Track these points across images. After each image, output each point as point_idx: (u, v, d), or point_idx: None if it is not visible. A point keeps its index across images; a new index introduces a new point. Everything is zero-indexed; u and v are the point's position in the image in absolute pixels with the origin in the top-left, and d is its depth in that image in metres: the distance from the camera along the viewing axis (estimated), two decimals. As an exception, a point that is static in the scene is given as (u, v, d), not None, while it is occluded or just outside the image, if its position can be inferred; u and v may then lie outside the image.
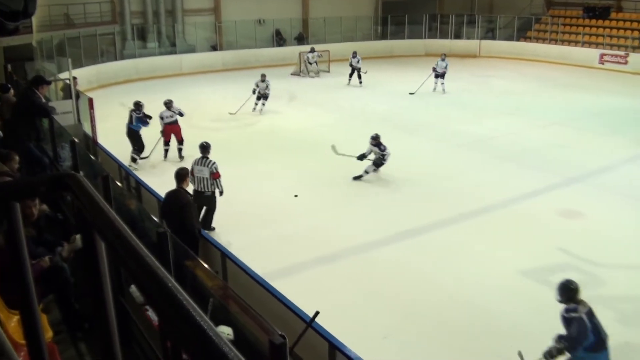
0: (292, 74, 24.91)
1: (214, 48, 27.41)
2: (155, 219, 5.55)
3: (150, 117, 12.73)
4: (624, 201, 10.86)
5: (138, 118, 12.46)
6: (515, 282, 7.81)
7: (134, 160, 12.48)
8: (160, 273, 1.09)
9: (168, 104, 12.88)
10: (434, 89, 20.82)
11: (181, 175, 7.38)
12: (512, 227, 9.63)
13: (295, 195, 9.96)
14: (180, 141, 13.13)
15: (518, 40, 30.59)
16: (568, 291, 5.40)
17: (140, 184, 9.44)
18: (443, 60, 20.67)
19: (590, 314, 5.32)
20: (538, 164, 12.86)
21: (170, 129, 12.97)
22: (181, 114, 13.06)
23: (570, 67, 27.00)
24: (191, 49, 26.63)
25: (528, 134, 15.57)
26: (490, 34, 31.46)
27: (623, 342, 6.53)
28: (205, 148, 9.32)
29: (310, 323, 4.06)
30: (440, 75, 20.67)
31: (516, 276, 7.94)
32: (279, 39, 29.07)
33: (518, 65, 27.61)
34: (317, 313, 4.22)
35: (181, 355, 2.87)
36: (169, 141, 13.09)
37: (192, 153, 10.72)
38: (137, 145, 12.69)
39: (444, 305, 7.31)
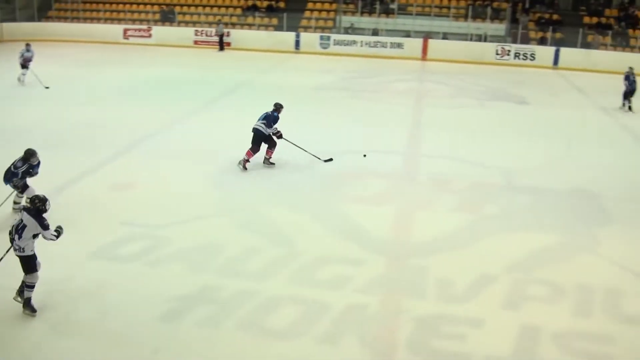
0: None
1: None
2: None
3: None
4: (167, 162, 11.46)
5: None
6: (84, 268, 7.36)
7: None
8: None
9: None
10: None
11: None
12: (72, 213, 8.94)
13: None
14: None
15: (40, 20, 30.25)
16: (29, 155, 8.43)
17: None
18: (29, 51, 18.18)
19: None
20: (82, 145, 12.40)
21: None
22: None
23: (96, 45, 27.82)
24: None
25: (66, 116, 14.85)
26: (12, 15, 29.73)
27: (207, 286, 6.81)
28: None
29: None
30: (25, 66, 18.06)
31: (83, 261, 7.48)
32: None
33: (42, 47, 26.16)
34: None
35: None
36: None
37: None
38: None
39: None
